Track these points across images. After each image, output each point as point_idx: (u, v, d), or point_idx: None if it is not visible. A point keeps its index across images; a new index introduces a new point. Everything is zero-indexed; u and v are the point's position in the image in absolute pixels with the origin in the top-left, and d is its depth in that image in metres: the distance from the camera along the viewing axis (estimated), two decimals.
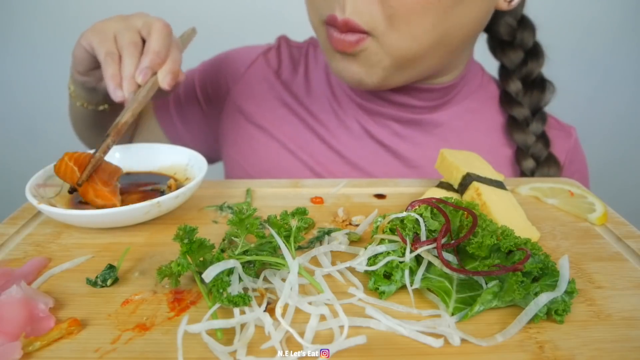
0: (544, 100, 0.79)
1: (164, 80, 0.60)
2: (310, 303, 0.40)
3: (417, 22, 0.61)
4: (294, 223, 0.45)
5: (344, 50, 0.65)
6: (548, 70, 0.80)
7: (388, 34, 0.62)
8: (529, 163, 0.77)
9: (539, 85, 0.79)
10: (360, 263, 0.43)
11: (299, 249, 0.50)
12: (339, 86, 0.80)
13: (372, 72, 0.66)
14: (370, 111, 0.78)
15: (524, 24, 0.79)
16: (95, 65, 0.66)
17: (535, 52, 0.79)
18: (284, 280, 0.42)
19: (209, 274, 0.39)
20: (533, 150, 0.77)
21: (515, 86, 0.79)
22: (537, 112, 0.79)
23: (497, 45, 0.81)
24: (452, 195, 0.56)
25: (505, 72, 0.81)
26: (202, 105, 0.92)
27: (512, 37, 0.78)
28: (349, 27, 0.62)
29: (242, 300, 0.38)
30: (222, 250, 0.48)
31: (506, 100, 0.80)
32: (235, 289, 0.40)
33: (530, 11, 0.79)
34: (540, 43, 0.80)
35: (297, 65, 0.86)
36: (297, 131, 0.81)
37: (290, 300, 0.39)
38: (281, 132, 0.82)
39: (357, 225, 0.55)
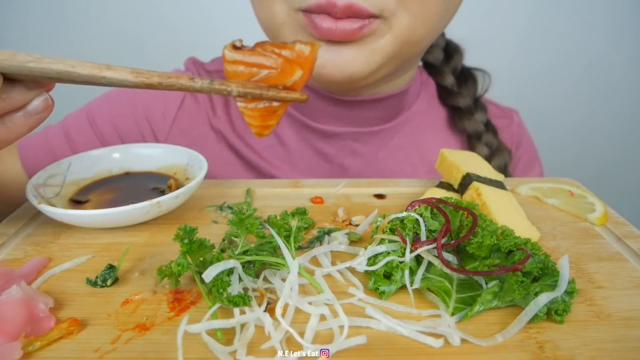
0: (480, 89, 0.81)
1: None
2: (310, 303, 0.40)
3: (430, 4, 0.56)
4: (294, 223, 0.45)
5: (340, 40, 0.57)
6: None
7: (399, 16, 0.56)
8: (484, 150, 0.78)
9: (470, 76, 0.81)
10: (360, 263, 0.43)
11: (299, 249, 0.50)
12: (291, 111, 0.74)
13: (371, 58, 0.59)
14: (326, 134, 0.74)
15: None
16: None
17: (452, 48, 0.81)
18: (284, 280, 0.43)
19: (209, 274, 0.39)
20: (485, 139, 0.78)
21: (449, 79, 0.81)
22: (477, 102, 0.80)
23: None
24: (452, 195, 0.56)
25: (434, 69, 0.82)
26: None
27: None
28: (351, 12, 0.54)
29: (242, 300, 0.38)
30: (222, 250, 0.48)
31: (445, 93, 0.81)
32: (235, 289, 0.40)
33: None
34: (452, 40, 0.82)
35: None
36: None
37: (290, 300, 0.39)
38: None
39: (357, 225, 0.55)
